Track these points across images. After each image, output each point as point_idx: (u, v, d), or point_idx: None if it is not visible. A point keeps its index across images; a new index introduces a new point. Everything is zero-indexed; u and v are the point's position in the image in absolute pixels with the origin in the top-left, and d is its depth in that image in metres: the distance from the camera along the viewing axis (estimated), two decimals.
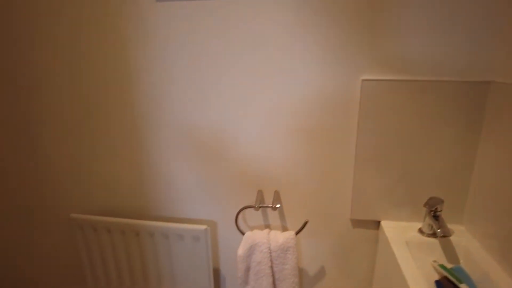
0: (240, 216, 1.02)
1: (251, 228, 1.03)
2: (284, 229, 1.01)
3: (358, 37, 0.80)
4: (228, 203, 1.02)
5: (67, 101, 1.01)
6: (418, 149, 0.85)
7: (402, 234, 0.86)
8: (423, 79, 0.80)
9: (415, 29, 0.77)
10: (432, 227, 0.84)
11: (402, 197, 0.89)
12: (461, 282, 0.70)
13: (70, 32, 0.94)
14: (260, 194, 0.99)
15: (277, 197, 0.98)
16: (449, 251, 0.81)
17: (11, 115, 1.08)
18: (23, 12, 0.95)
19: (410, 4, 0.76)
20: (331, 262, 1.02)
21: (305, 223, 0.94)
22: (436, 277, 0.75)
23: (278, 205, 0.97)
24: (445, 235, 0.74)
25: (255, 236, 0.95)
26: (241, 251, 0.95)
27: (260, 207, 0.96)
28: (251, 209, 1.01)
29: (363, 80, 0.82)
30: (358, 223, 0.96)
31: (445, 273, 0.73)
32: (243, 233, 0.99)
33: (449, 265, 0.77)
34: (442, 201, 0.81)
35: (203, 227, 0.99)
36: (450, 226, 0.87)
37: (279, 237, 0.94)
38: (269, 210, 1.00)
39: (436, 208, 0.81)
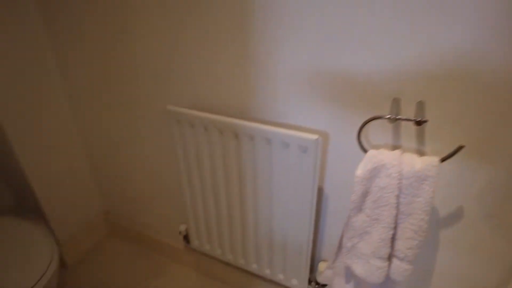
0: (363, 130, 0.81)
1: (375, 147, 0.81)
2: (421, 154, 0.78)
3: None
4: (347, 111, 0.80)
5: None
6: None
7: None
8: None
9: None
10: None
11: None
12: None
13: None
14: (396, 103, 0.74)
15: (420, 110, 0.73)
16: None
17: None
18: None
19: None
20: (476, 205, 0.77)
21: (459, 148, 0.68)
22: None
23: (425, 120, 0.72)
24: None
25: (383, 156, 0.73)
26: (361, 171, 0.76)
27: (397, 119, 0.73)
28: (379, 123, 0.78)
29: None
30: None
31: None
32: (365, 151, 0.78)
33: None
34: None
35: (314, 136, 0.80)
36: None
37: (416, 162, 0.71)
38: (406, 125, 0.76)
39: None
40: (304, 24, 0.75)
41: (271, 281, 1.26)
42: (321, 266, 1.06)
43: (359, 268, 0.86)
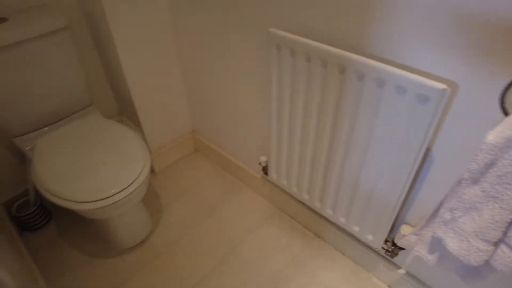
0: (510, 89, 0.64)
1: None
2: None
3: None
4: (490, 62, 0.63)
5: None
6: None
7: None
8: None
9: None
10: None
11: None
12: None
13: None
14: None
15: None
16: None
17: None
18: None
19: None
20: None
21: None
22: None
23: None
24: None
25: None
26: (493, 137, 0.61)
27: None
28: None
29: None
30: None
31: None
32: (506, 114, 0.63)
33: None
34: None
35: (441, 85, 0.66)
36: None
37: None
38: None
39: None
40: None
41: (343, 230, 1.22)
42: (404, 229, 0.98)
43: (453, 244, 0.76)
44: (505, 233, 0.68)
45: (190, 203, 1.52)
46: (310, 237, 1.35)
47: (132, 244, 1.34)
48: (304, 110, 0.97)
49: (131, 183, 1.06)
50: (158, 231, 1.41)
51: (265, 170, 1.33)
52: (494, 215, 0.67)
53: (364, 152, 0.89)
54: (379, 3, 0.72)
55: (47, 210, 1.45)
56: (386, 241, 1.05)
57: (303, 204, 1.32)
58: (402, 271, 1.12)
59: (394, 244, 1.04)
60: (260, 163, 1.32)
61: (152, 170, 1.65)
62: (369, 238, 1.06)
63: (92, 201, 1.03)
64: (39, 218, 1.40)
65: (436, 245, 0.85)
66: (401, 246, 0.99)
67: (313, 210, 1.29)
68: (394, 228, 1.04)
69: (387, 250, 1.06)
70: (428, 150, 0.82)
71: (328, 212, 1.14)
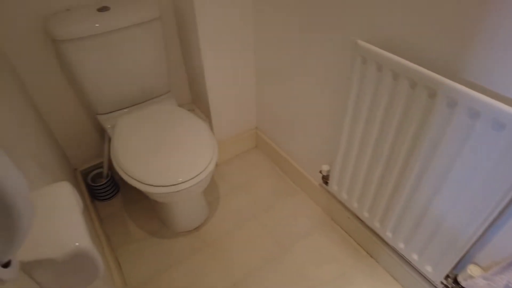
0: None
1: None
2: None
3: None
4: None
5: None
6: None
7: None
8: None
9: None
10: None
11: None
12: None
13: None
14: None
15: None
16: None
17: None
18: None
19: None
20: None
21: None
22: None
23: None
24: None
25: None
26: None
27: None
28: None
29: None
30: None
31: None
32: None
33: None
34: None
35: None
36: None
37: None
38: None
39: None
40: None
41: (400, 256, 1.17)
42: (472, 269, 0.91)
43: None
44: None
45: (246, 198, 1.55)
46: (362, 254, 1.32)
47: (188, 229, 1.41)
48: (381, 128, 0.94)
49: (198, 174, 1.11)
50: (213, 220, 1.46)
51: (325, 179, 1.31)
52: None
53: (441, 180, 0.84)
54: (489, 30, 0.67)
55: (116, 184, 1.58)
56: (447, 276, 0.99)
57: (360, 220, 1.28)
58: None
59: (456, 282, 0.97)
60: (321, 171, 1.31)
61: None
62: (428, 269, 1.01)
63: (158, 186, 1.10)
64: (108, 190, 1.53)
65: None
66: (463, 286, 0.93)
67: (370, 229, 1.25)
68: (458, 264, 0.98)
69: (446, 286, 1.00)
70: None
71: (388, 235, 1.10)
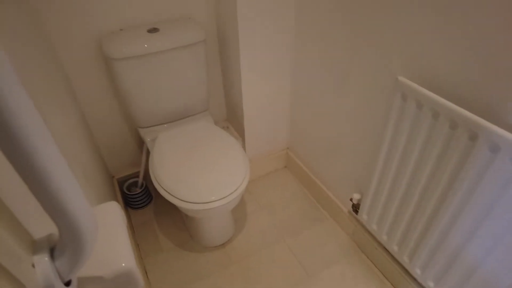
0: None
1: None
2: None
3: None
4: None
5: None
6: None
7: None
8: None
9: None
10: None
11: None
12: None
13: None
14: None
15: None
16: None
17: None
18: None
19: None
20: None
21: None
22: None
23: None
24: None
25: None
26: None
27: None
28: None
29: None
30: None
31: None
32: None
33: None
34: None
35: None
36: None
37: None
38: None
39: None
40: None
41: None
42: None
43: None
44: None
45: (273, 218, 1.57)
46: (387, 287, 1.29)
47: (215, 244, 1.44)
48: (416, 165, 0.94)
49: (230, 193, 1.14)
50: (240, 237, 1.48)
51: (355, 207, 1.30)
52: None
53: (478, 225, 0.82)
54: None
55: (150, 194, 1.64)
56: None
57: (388, 252, 1.26)
58: None
59: None
60: (351, 199, 1.30)
61: None
62: None
63: (191, 202, 1.13)
64: (142, 199, 1.59)
65: None
66: None
67: (398, 262, 1.23)
68: None
69: None
70: None
71: (416, 271, 1.08)
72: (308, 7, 1.24)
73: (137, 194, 1.56)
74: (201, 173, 1.21)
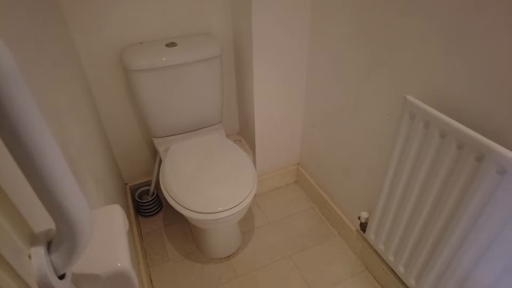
0: None
1: None
2: None
3: None
4: None
5: None
6: None
7: None
8: None
9: None
10: None
11: None
12: None
13: None
14: None
15: None
16: None
17: None
18: None
19: None
20: None
21: None
22: None
23: None
24: None
25: None
26: None
27: None
28: None
29: None
30: None
31: None
32: None
33: None
34: None
35: None
36: None
37: None
38: None
39: None
40: None
41: None
42: None
43: None
44: None
45: (281, 234, 1.56)
46: None
47: (220, 256, 1.44)
48: (423, 184, 0.92)
49: (236, 205, 1.15)
50: (246, 251, 1.48)
51: (363, 226, 1.29)
52: None
53: (486, 248, 0.80)
54: None
55: (160, 203, 1.67)
56: None
57: (395, 274, 1.23)
58: None
59: None
60: (359, 218, 1.29)
61: None
62: None
63: (198, 212, 1.15)
64: (152, 208, 1.62)
65: None
66: None
67: (404, 284, 1.19)
68: None
69: None
70: None
71: None
72: (323, 26, 1.27)
73: (148, 202, 1.59)
74: (209, 184, 1.22)
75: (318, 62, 1.35)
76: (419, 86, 0.92)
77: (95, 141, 1.17)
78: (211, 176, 1.26)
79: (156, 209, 1.65)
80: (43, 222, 0.42)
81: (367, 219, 1.26)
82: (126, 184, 1.67)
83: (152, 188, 1.62)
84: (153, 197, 1.61)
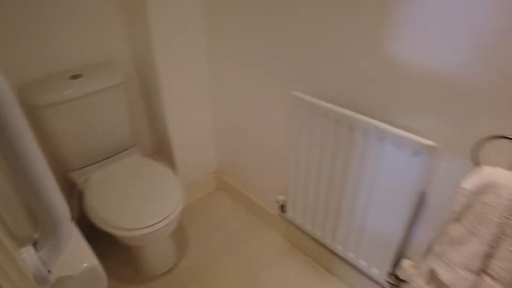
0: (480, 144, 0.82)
1: (490, 164, 0.82)
2: None
3: None
4: (466, 122, 0.82)
5: None
6: None
7: None
8: None
9: None
10: None
11: None
12: None
13: None
14: None
15: None
16: None
17: None
18: None
19: None
20: None
21: None
22: None
23: None
24: None
25: (497, 176, 0.75)
26: (469, 185, 0.79)
27: None
28: (503, 142, 0.78)
29: None
30: None
31: None
32: (477, 165, 0.80)
33: None
34: None
35: (430, 143, 0.85)
36: None
37: None
38: None
39: None
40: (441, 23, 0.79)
41: (351, 265, 1.35)
42: (405, 263, 1.11)
43: (444, 274, 0.90)
44: (486, 265, 0.83)
45: (213, 239, 1.67)
46: (321, 272, 1.48)
47: (160, 271, 1.49)
48: (320, 158, 1.16)
49: (167, 216, 1.24)
50: (184, 262, 1.56)
51: (282, 208, 1.49)
52: (475, 248, 0.82)
53: (370, 193, 1.06)
54: (384, 78, 0.94)
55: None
56: (390, 274, 1.18)
57: (316, 240, 1.46)
58: None
59: (397, 278, 1.17)
60: (277, 201, 1.49)
61: None
62: (374, 271, 1.19)
63: (131, 229, 1.21)
64: None
65: (432, 277, 0.99)
66: (403, 279, 1.12)
67: (325, 246, 1.43)
68: (397, 262, 1.18)
69: (391, 283, 1.18)
70: (423, 194, 0.99)
71: (339, 248, 1.29)
72: (217, 44, 1.46)
73: None
74: (137, 203, 1.28)
75: (219, 72, 1.54)
76: (304, 82, 1.17)
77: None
78: (137, 195, 1.32)
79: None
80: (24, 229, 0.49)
81: (284, 200, 1.47)
82: None
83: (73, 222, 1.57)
84: None
